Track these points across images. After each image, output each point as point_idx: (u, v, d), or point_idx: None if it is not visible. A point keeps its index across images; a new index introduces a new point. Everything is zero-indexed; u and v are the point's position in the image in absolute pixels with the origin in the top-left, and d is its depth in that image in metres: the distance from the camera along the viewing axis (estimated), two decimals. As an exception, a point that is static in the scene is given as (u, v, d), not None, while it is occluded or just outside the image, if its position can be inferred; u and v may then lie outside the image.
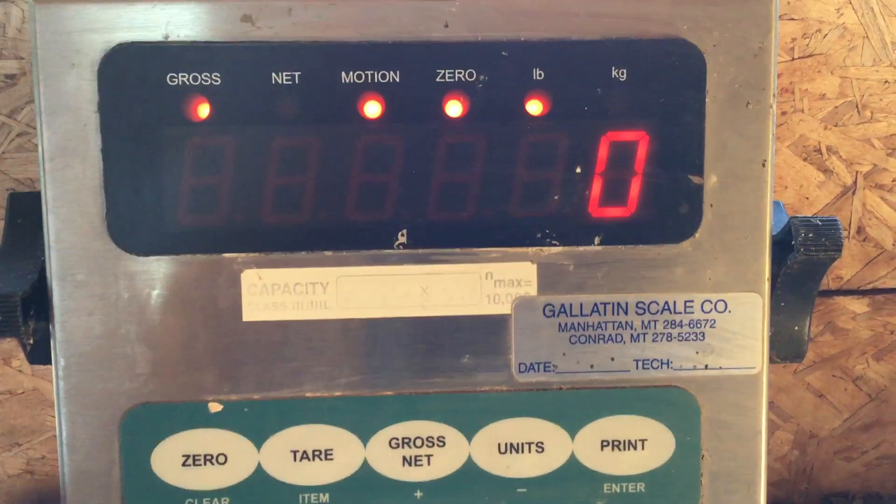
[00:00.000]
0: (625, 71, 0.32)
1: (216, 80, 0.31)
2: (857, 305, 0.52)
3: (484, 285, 0.33)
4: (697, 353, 0.33)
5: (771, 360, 0.35)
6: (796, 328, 0.35)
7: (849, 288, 0.51)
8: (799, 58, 0.45)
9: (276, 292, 0.32)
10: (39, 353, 0.34)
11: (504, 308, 0.33)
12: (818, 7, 0.44)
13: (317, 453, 0.33)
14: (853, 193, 0.49)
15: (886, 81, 0.46)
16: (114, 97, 0.31)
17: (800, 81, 0.46)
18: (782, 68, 0.45)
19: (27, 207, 0.34)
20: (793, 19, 0.45)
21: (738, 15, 0.32)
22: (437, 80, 0.31)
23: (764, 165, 0.33)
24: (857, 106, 0.46)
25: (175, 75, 0.31)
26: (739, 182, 0.33)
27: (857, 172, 0.48)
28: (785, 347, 0.35)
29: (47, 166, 0.31)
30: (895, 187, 0.48)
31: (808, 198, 0.49)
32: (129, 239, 0.32)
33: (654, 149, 0.32)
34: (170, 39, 0.31)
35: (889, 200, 0.49)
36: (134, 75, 0.31)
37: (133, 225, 0.31)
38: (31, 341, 0.32)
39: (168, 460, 0.33)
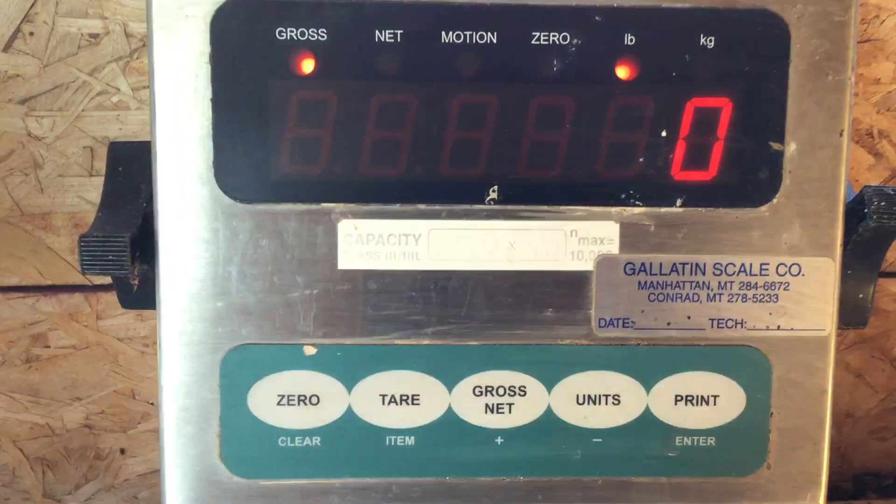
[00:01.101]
0: (712, 39, 0.33)
1: (322, 37, 0.32)
2: None
3: (568, 242, 0.34)
4: (771, 314, 0.35)
5: (839, 327, 0.36)
6: (861, 296, 0.37)
7: (892, 270, 0.53)
8: (858, 41, 0.47)
9: (370, 242, 0.34)
10: (135, 298, 0.35)
11: (587, 265, 0.34)
12: (879, -8, 0.46)
13: (404, 398, 0.34)
14: (903, 176, 0.50)
15: (941, 67, 0.47)
16: (224, 49, 0.32)
17: (856, 65, 0.47)
18: (841, 51, 0.46)
19: (127, 155, 0.35)
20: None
21: (822, -10, 0.33)
22: (532, 41, 0.33)
23: (841, 135, 0.34)
24: (911, 90, 0.48)
25: (283, 30, 0.32)
26: (817, 150, 0.34)
27: (907, 156, 0.50)
28: (850, 314, 0.37)
29: (158, 114, 0.32)
30: None
31: (857, 180, 0.50)
32: (233, 186, 0.33)
33: (736, 115, 0.34)
34: (278, -4, 0.32)
35: None
36: (244, 29, 0.32)
37: (238, 173, 0.33)
38: (136, 282, 0.33)
39: (263, 399, 0.34)
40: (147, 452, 0.53)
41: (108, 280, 0.49)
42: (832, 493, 0.58)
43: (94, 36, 0.44)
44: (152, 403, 0.52)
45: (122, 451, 0.53)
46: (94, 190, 0.46)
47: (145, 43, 0.43)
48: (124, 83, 0.44)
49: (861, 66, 0.47)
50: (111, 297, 0.49)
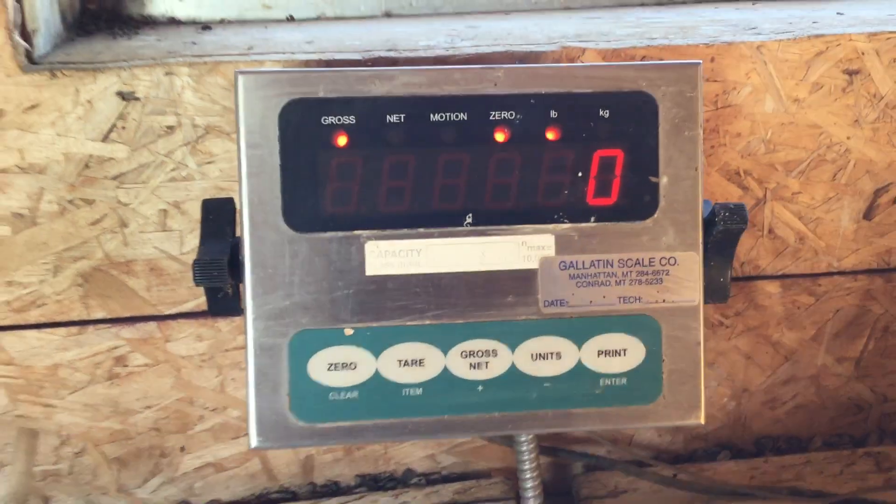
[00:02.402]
0: (608, 111, 0.50)
1: (352, 121, 0.49)
2: (772, 287, 0.69)
3: (520, 249, 0.50)
4: (658, 291, 0.51)
5: (705, 302, 0.53)
6: (721, 280, 0.53)
7: (765, 274, 0.69)
8: (721, 107, 0.64)
9: (388, 256, 0.50)
10: (223, 306, 0.51)
11: (534, 264, 0.51)
12: (733, 72, 0.63)
13: (414, 361, 0.50)
14: (764, 204, 0.66)
15: (783, 123, 0.64)
16: (288, 132, 0.49)
17: (722, 124, 0.64)
18: (710, 115, 0.64)
19: (215, 207, 0.51)
20: (717, 81, 0.63)
21: (678, 76, 0.51)
22: (490, 118, 0.50)
23: (696, 171, 0.51)
24: (763, 141, 0.65)
25: (326, 118, 0.49)
26: (681, 181, 0.51)
27: (766, 189, 0.66)
28: (713, 293, 0.53)
29: (245, 177, 0.48)
30: (794, 198, 0.66)
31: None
32: (295, 222, 0.49)
33: (627, 160, 0.51)
34: (321, 96, 0.49)
35: (790, 208, 0.66)
36: (300, 118, 0.49)
37: (298, 213, 0.49)
38: (230, 291, 0.49)
39: (318, 367, 0.50)
40: (201, 449, 0.68)
41: (174, 310, 0.64)
42: (739, 454, 0.74)
43: (170, 127, 0.59)
44: (207, 408, 0.66)
45: (182, 449, 0.68)
46: (166, 241, 0.62)
47: (208, 131, 0.59)
48: (191, 161, 0.60)
49: (726, 124, 0.64)
50: (176, 324, 0.64)
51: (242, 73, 0.48)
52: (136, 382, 0.65)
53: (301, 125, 0.48)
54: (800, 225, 0.67)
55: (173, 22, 0.70)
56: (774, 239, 0.67)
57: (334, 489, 0.69)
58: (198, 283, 0.48)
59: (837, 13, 0.68)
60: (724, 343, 0.70)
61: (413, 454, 0.70)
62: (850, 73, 0.63)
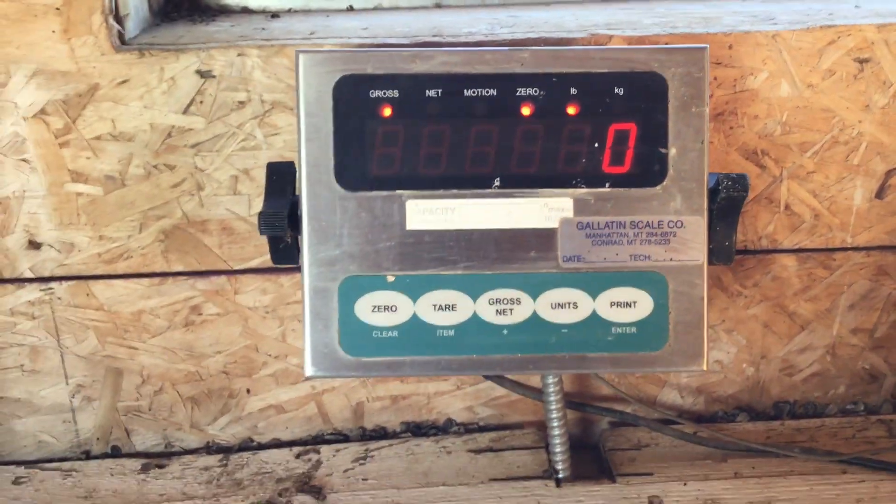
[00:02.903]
0: (622, 89, 0.57)
1: (395, 94, 0.56)
2: (789, 260, 0.73)
3: (542, 211, 0.57)
4: (666, 251, 0.57)
5: (710, 263, 0.59)
6: (726, 244, 0.59)
7: (782, 248, 0.74)
8: (739, 91, 0.69)
9: (425, 213, 0.57)
10: (283, 256, 0.59)
11: (554, 224, 0.57)
12: (750, 59, 0.68)
13: (447, 306, 0.57)
14: (780, 182, 0.71)
15: (797, 107, 0.69)
16: (340, 103, 0.56)
17: (741, 107, 0.69)
18: (728, 98, 0.69)
19: (278, 170, 0.59)
20: (734, 67, 0.68)
21: (686, 59, 0.57)
22: (517, 94, 0.57)
23: (702, 143, 0.57)
24: (779, 123, 0.70)
25: (373, 91, 0.56)
26: (688, 153, 0.57)
27: (782, 168, 0.71)
28: (719, 255, 0.59)
29: (303, 143, 0.56)
30: (808, 177, 0.71)
31: (751, 185, 0.72)
32: (345, 182, 0.57)
33: (639, 133, 0.57)
34: (370, 72, 0.56)
35: (805, 186, 0.71)
36: (351, 91, 0.56)
37: (348, 174, 0.56)
38: (289, 241, 0.57)
39: (364, 308, 0.57)
40: (265, 392, 0.76)
41: (242, 266, 0.72)
42: (757, 416, 0.79)
43: (241, 102, 0.67)
44: (270, 355, 0.74)
45: (248, 391, 0.76)
46: (236, 205, 0.70)
47: (274, 106, 0.67)
48: (259, 133, 0.68)
49: (744, 107, 0.70)
50: (244, 278, 0.72)
51: (302, 52, 0.56)
52: (209, 330, 0.73)
53: (352, 98, 0.56)
54: (815, 202, 0.72)
55: (246, 11, 0.78)
56: (791, 215, 0.72)
57: (382, 433, 0.77)
58: (262, 232, 0.56)
59: (855, 6, 0.73)
60: (743, 312, 0.75)
61: (453, 405, 0.77)
62: (861, 62, 0.68)
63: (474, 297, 0.57)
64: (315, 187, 0.56)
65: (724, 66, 0.67)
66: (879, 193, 0.72)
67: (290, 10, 0.78)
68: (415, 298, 0.57)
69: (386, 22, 0.72)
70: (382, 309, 0.57)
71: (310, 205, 0.56)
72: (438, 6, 0.79)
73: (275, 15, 0.76)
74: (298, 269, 0.65)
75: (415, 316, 0.57)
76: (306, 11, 0.78)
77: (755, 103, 0.69)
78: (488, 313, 0.57)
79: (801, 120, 0.69)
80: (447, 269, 0.57)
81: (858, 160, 0.71)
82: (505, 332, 0.57)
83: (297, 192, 0.58)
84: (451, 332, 0.57)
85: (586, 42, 0.66)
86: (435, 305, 0.57)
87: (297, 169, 0.57)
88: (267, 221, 0.55)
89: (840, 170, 0.71)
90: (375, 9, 0.79)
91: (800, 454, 0.72)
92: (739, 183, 0.57)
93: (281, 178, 0.58)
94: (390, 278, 0.57)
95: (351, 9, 0.79)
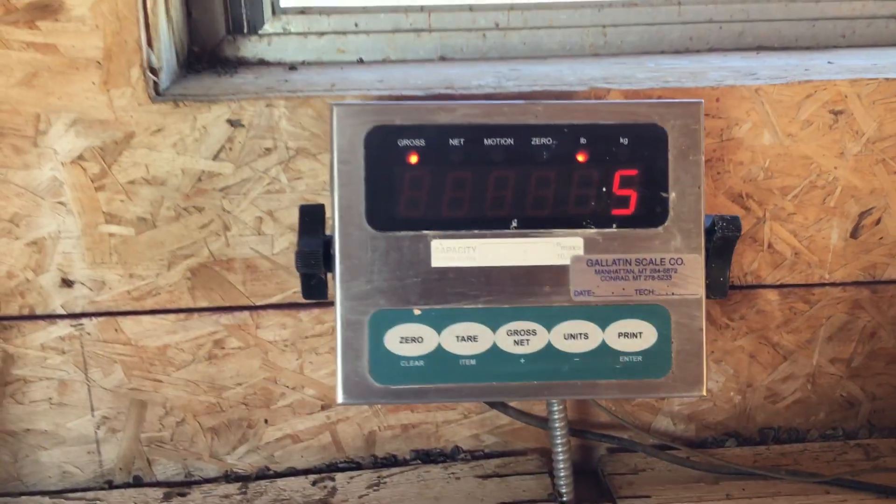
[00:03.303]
0: (627, 139, 0.62)
1: (422, 143, 0.61)
2: (772, 295, 0.79)
3: (555, 249, 0.62)
4: (668, 286, 0.63)
5: (707, 297, 0.64)
6: (721, 279, 0.65)
7: (765, 283, 0.79)
8: (725, 140, 0.75)
9: (449, 251, 0.62)
10: (314, 291, 0.63)
11: (566, 261, 0.62)
12: (735, 111, 0.74)
13: (469, 337, 0.62)
14: (763, 223, 0.78)
15: (778, 154, 0.75)
16: (371, 151, 0.61)
17: (727, 154, 0.76)
18: (715, 146, 0.75)
19: (310, 212, 0.64)
20: (721, 118, 0.75)
21: (683, 112, 0.62)
22: (532, 143, 0.62)
23: (699, 188, 0.63)
24: (762, 169, 0.76)
25: (401, 140, 0.61)
26: (686, 197, 0.63)
27: (765, 210, 0.77)
28: (714, 290, 0.64)
29: (336, 187, 0.61)
30: (789, 218, 0.77)
31: (737, 226, 0.78)
32: (376, 223, 0.61)
33: (642, 178, 0.62)
34: (398, 123, 0.61)
35: (786, 227, 0.77)
36: (381, 141, 0.61)
37: (378, 216, 0.61)
38: (324, 276, 0.62)
39: (392, 340, 0.62)
40: (282, 422, 0.80)
41: (263, 302, 0.76)
42: (744, 442, 0.84)
43: (268, 149, 0.72)
44: (287, 386, 0.79)
45: (266, 422, 0.80)
46: (260, 244, 0.74)
47: (298, 152, 0.72)
48: (283, 177, 0.73)
49: (730, 154, 0.76)
50: (265, 314, 0.76)
51: (337, 104, 0.61)
52: (230, 362, 0.77)
53: (382, 146, 0.61)
54: (795, 241, 0.78)
55: (263, 63, 0.83)
56: (773, 253, 0.78)
57: (393, 461, 0.81)
58: (299, 269, 0.60)
59: (828, 62, 0.79)
60: (731, 343, 0.80)
61: (460, 433, 0.81)
62: (836, 113, 0.74)
63: (494, 329, 0.62)
64: (347, 228, 0.61)
65: (713, 116, 0.73)
66: (854, 233, 0.78)
67: (304, 63, 0.83)
68: (439, 330, 0.62)
69: (397, 74, 0.78)
70: (409, 340, 0.62)
71: (342, 244, 0.61)
72: (443, 59, 0.85)
73: (292, 67, 0.81)
74: (323, 305, 0.70)
75: (439, 346, 0.62)
76: (320, 64, 0.83)
77: (740, 151, 0.75)
78: (507, 344, 0.62)
79: (782, 166, 0.75)
80: (469, 303, 0.62)
81: (834, 202, 0.77)
82: (522, 360, 0.62)
83: (327, 232, 0.62)
84: (473, 362, 0.62)
85: (586, 95, 0.72)
86: (458, 336, 0.62)
87: (331, 211, 0.61)
88: (304, 260, 0.60)
89: (818, 211, 0.77)
90: (384, 61, 0.85)
91: (786, 476, 0.77)
92: (733, 224, 0.62)
93: (313, 219, 0.63)
94: (417, 311, 0.62)
95: (361, 61, 0.84)
